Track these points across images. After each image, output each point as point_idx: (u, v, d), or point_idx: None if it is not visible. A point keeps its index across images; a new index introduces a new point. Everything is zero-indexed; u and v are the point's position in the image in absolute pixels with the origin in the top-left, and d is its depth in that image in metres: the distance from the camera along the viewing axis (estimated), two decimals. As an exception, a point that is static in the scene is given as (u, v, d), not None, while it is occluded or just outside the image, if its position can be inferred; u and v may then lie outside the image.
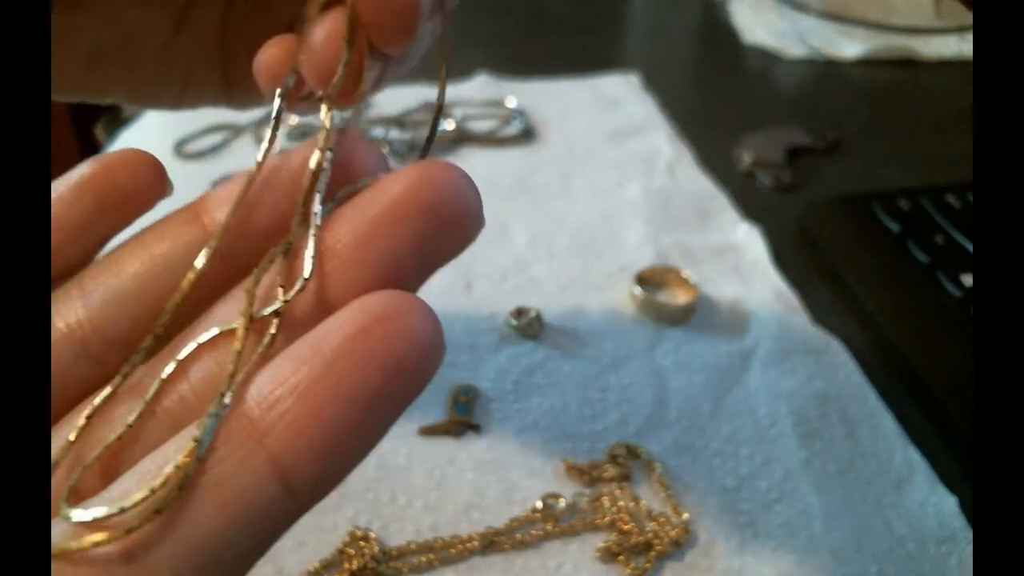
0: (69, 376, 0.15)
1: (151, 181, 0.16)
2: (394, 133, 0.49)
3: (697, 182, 0.46)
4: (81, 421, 0.14)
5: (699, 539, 0.27)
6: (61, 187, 0.16)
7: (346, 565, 0.26)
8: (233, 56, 0.23)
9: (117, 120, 0.62)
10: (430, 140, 0.19)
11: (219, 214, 0.16)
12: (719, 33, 0.65)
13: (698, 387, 0.33)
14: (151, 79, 0.23)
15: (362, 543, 0.27)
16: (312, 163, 0.15)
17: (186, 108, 0.24)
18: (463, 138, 0.48)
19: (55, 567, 0.12)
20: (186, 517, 0.12)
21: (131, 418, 0.14)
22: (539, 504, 0.28)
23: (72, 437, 0.14)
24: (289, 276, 0.14)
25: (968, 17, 0.64)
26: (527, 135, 0.50)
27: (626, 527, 0.27)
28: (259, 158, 0.16)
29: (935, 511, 0.28)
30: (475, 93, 0.53)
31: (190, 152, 0.46)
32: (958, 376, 0.32)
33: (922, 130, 0.52)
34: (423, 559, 0.26)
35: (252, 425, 0.12)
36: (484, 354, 0.34)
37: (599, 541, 0.27)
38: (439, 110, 0.20)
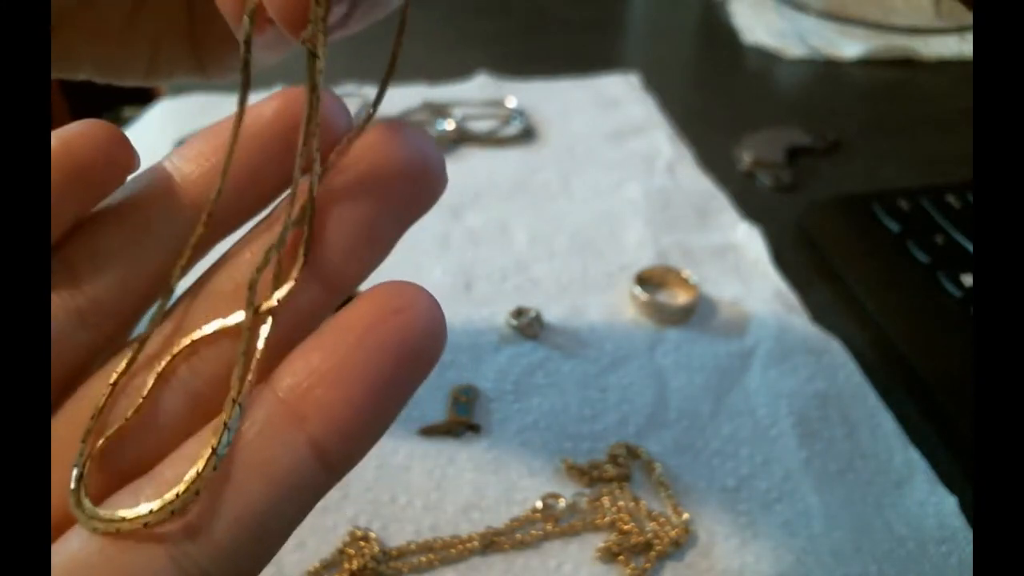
0: (69, 345, 0.15)
1: (117, 154, 0.15)
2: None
3: (697, 182, 0.46)
4: (104, 390, 0.14)
5: (699, 539, 0.27)
6: None
7: (346, 565, 0.26)
8: (202, 24, 0.23)
9: (117, 120, 0.62)
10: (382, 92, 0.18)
11: (187, 168, 0.16)
12: (719, 33, 0.65)
13: (698, 387, 0.33)
14: (118, 50, 0.22)
15: (362, 543, 0.27)
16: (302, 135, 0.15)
17: (158, 81, 0.24)
18: (463, 138, 0.48)
19: (116, 547, 0.13)
20: (237, 492, 0.13)
21: (145, 391, 0.14)
22: (539, 504, 0.28)
23: (100, 403, 0.14)
24: (286, 258, 0.15)
25: (968, 17, 0.64)
26: (527, 135, 0.50)
27: (626, 527, 0.27)
28: (236, 108, 0.15)
29: (935, 511, 0.28)
30: (475, 93, 0.53)
31: (190, 152, 0.46)
32: (958, 376, 0.32)
33: (922, 130, 0.52)
34: (423, 559, 0.26)
35: (290, 410, 0.14)
36: (484, 354, 0.34)
37: (599, 541, 0.27)
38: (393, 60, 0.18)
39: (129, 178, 0.16)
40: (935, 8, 0.65)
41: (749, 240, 0.41)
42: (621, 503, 0.28)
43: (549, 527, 0.27)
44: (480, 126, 0.50)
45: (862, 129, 0.52)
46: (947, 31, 0.63)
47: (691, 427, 0.31)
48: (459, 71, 0.55)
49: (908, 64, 0.60)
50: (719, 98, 0.56)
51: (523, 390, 0.33)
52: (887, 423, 0.31)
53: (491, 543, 0.27)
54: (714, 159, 0.48)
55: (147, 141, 0.48)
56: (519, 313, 0.35)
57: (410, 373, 0.14)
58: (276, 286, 0.15)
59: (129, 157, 0.15)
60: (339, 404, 0.14)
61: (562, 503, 0.28)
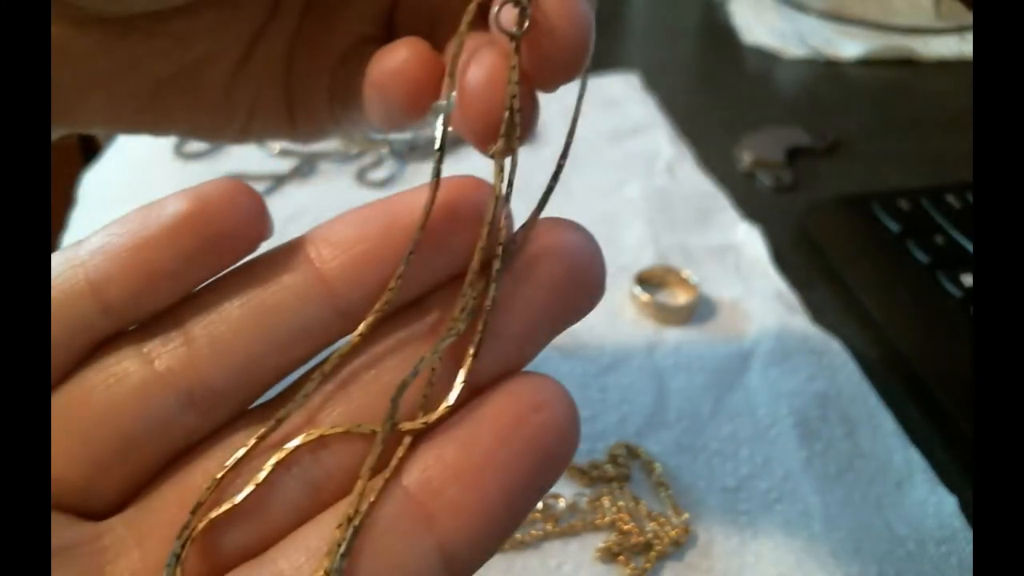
0: (175, 426, 0.14)
1: (254, 221, 0.14)
2: (394, 133, 0.49)
3: (697, 182, 0.46)
4: (219, 472, 0.13)
5: (699, 539, 0.27)
6: (154, 224, 0.14)
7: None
8: (298, 85, 0.22)
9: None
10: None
11: (328, 254, 0.14)
12: (719, 33, 0.65)
13: (698, 387, 0.33)
14: (215, 112, 0.22)
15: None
16: (487, 217, 0.14)
17: (249, 141, 0.23)
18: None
19: None
20: None
21: (261, 475, 0.13)
22: (539, 504, 0.28)
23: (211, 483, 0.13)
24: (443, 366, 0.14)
25: (968, 17, 0.64)
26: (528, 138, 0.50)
27: (626, 527, 0.27)
28: (426, 201, 0.14)
29: (935, 511, 0.28)
30: (475, 93, 0.53)
31: (190, 152, 0.46)
32: (958, 376, 0.32)
33: (922, 130, 0.52)
34: (423, 559, 0.26)
35: (420, 508, 0.13)
36: (484, 354, 0.34)
37: (599, 541, 0.27)
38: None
39: (265, 249, 0.15)
40: (935, 8, 0.65)
41: (749, 240, 0.41)
42: (621, 503, 0.28)
43: (549, 527, 0.27)
44: (480, 126, 0.50)
45: (862, 129, 0.52)
46: (947, 31, 0.63)
47: (691, 427, 0.31)
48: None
49: (908, 64, 0.60)
50: (719, 98, 0.56)
51: (523, 390, 0.33)
52: (887, 423, 0.31)
53: (491, 543, 0.27)
54: (714, 159, 0.48)
55: (147, 141, 0.48)
56: (519, 313, 0.35)
57: (546, 476, 0.13)
58: (424, 398, 0.14)
59: (264, 225, 0.14)
60: (473, 507, 0.13)
61: (562, 503, 0.28)
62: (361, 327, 0.14)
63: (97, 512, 0.14)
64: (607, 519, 0.28)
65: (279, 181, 0.44)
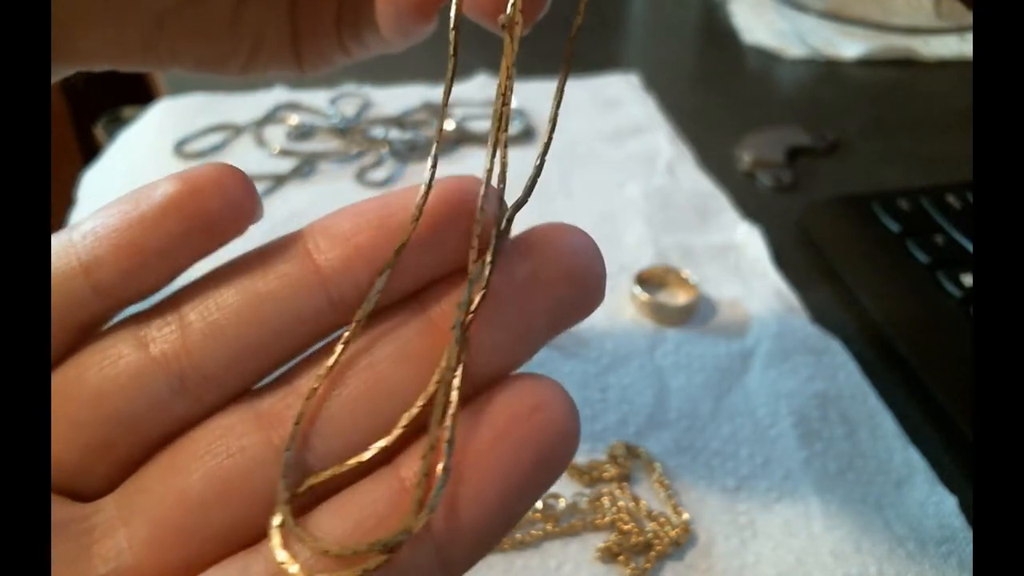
0: (166, 410, 0.14)
1: (243, 204, 0.14)
2: (394, 133, 0.49)
3: (697, 182, 0.46)
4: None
5: (699, 539, 0.27)
6: (143, 206, 0.14)
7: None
8: (304, 16, 0.22)
9: (117, 120, 0.62)
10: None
11: (325, 246, 0.15)
12: (719, 33, 0.65)
13: (698, 387, 0.33)
14: (220, 44, 0.22)
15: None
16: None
17: (253, 74, 0.23)
18: (463, 138, 0.48)
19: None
20: None
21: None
22: (539, 504, 0.28)
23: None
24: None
25: (968, 17, 0.64)
26: (527, 135, 0.50)
27: (626, 527, 0.27)
28: (425, 177, 0.14)
29: (935, 511, 0.28)
30: (475, 93, 0.53)
31: (190, 152, 0.46)
32: (958, 376, 0.32)
33: (922, 130, 0.52)
34: (423, 559, 0.26)
35: (415, 504, 0.13)
36: (484, 354, 0.34)
37: (599, 541, 0.27)
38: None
39: (266, 239, 0.15)
40: (935, 8, 0.65)
41: (749, 240, 0.41)
42: (621, 503, 0.28)
43: (549, 527, 0.27)
44: (480, 126, 0.50)
45: (862, 129, 0.52)
46: (947, 31, 0.63)
47: (691, 427, 0.31)
48: (459, 71, 0.55)
49: (908, 64, 0.60)
50: (719, 98, 0.56)
51: (523, 390, 0.33)
52: (887, 423, 0.31)
53: (491, 543, 0.27)
54: (714, 159, 0.48)
55: (147, 141, 0.48)
56: (519, 313, 0.35)
57: (545, 475, 0.13)
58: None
59: (252, 207, 0.15)
60: (470, 505, 0.13)
61: (562, 503, 0.28)
62: (358, 314, 0.14)
63: (87, 493, 0.14)
64: (607, 519, 0.28)
65: (279, 181, 0.44)
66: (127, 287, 0.14)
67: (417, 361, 0.14)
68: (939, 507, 0.28)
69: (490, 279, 0.14)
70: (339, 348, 0.14)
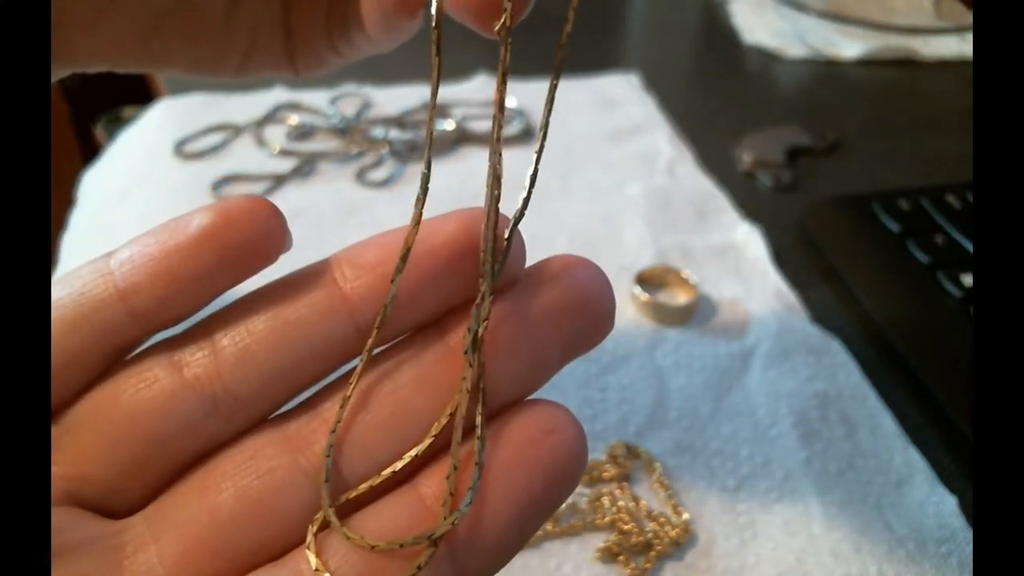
0: (198, 431, 0.15)
1: (274, 235, 0.15)
2: (394, 133, 0.49)
3: (697, 182, 0.46)
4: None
5: (699, 539, 0.27)
6: (180, 236, 0.15)
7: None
8: (297, 19, 0.23)
9: (117, 120, 0.62)
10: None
11: (351, 274, 0.15)
12: (719, 33, 0.65)
13: (698, 387, 0.33)
14: (214, 47, 0.22)
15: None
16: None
17: (248, 76, 0.23)
18: (463, 138, 0.48)
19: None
20: None
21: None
22: (539, 504, 0.28)
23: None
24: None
25: (968, 17, 0.64)
26: (527, 135, 0.50)
27: (626, 527, 0.27)
28: (412, 220, 0.15)
29: (935, 511, 0.28)
30: (475, 93, 0.53)
31: (190, 152, 0.46)
32: (958, 376, 0.32)
33: (922, 130, 0.52)
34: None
35: (435, 521, 0.14)
36: (484, 354, 0.34)
37: (599, 541, 0.27)
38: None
39: (293, 266, 0.16)
40: (935, 8, 0.65)
41: (749, 240, 0.41)
42: (621, 503, 0.28)
43: (549, 527, 0.27)
44: (480, 126, 0.50)
45: (862, 129, 0.52)
46: (947, 31, 0.63)
47: (691, 427, 0.31)
48: (459, 71, 0.55)
49: (908, 64, 0.60)
50: (719, 98, 0.56)
51: (523, 390, 0.33)
52: (887, 423, 0.31)
53: (491, 543, 0.27)
54: (714, 159, 0.48)
55: (147, 141, 0.48)
56: (519, 313, 0.35)
57: (556, 494, 0.14)
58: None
59: (283, 239, 0.15)
60: (487, 522, 0.14)
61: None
62: (371, 339, 0.15)
63: (119, 510, 0.15)
64: (607, 519, 0.28)
65: (279, 181, 0.44)
66: (162, 313, 0.15)
67: (436, 386, 0.15)
68: (939, 507, 0.28)
69: (494, 299, 0.15)
70: (358, 369, 0.15)
